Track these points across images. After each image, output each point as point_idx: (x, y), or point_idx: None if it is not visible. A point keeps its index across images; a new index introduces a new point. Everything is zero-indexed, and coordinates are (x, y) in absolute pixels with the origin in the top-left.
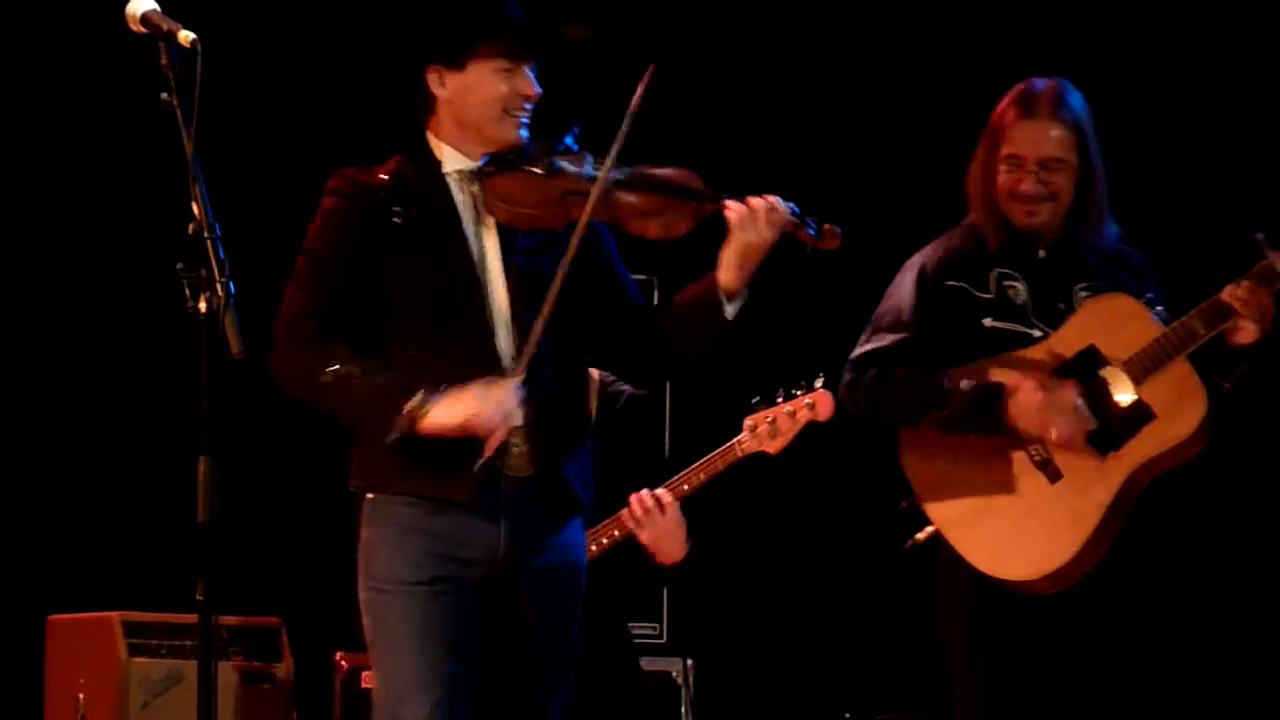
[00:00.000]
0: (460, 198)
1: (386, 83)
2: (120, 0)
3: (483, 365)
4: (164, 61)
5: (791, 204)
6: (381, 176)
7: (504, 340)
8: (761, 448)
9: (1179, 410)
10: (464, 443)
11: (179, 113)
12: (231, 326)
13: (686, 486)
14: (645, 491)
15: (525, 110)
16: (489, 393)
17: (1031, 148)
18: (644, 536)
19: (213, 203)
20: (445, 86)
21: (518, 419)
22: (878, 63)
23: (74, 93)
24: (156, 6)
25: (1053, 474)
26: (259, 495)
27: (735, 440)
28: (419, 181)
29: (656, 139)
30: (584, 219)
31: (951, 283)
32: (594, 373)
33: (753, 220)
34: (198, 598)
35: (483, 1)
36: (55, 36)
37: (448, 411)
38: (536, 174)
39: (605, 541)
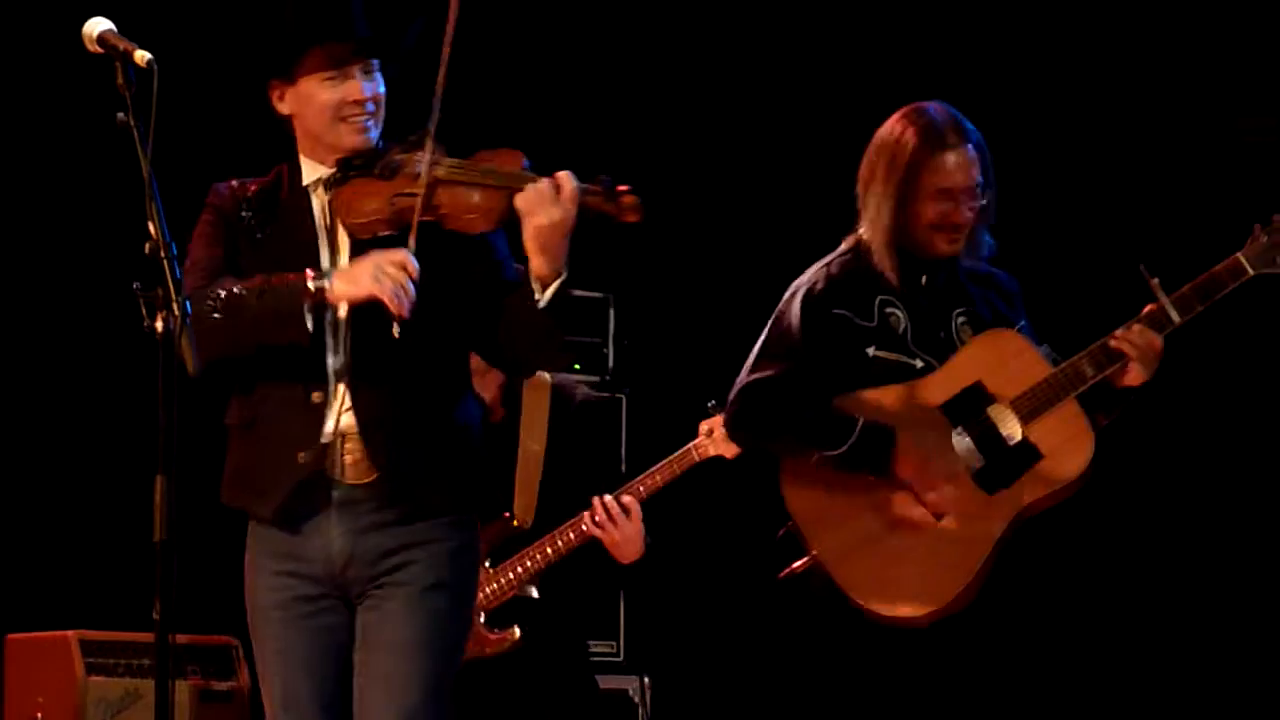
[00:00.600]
0: (317, 209)
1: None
2: (77, 18)
3: (304, 382)
4: (120, 81)
5: (606, 179)
6: (251, 189)
7: (334, 358)
8: (719, 452)
9: (1066, 452)
10: (282, 456)
11: (135, 132)
12: (187, 345)
13: (643, 489)
14: (609, 497)
15: (364, 114)
16: (382, 258)
17: (962, 177)
18: (606, 539)
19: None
20: (285, 101)
21: (409, 284)
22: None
23: (31, 110)
24: (113, 27)
25: (938, 512)
26: (215, 513)
27: (692, 444)
28: (286, 194)
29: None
30: (414, 224)
31: (836, 310)
32: (546, 375)
33: (539, 200)
34: (154, 616)
35: (303, 12)
36: (11, 52)
37: (350, 284)
38: (373, 178)
39: (562, 544)
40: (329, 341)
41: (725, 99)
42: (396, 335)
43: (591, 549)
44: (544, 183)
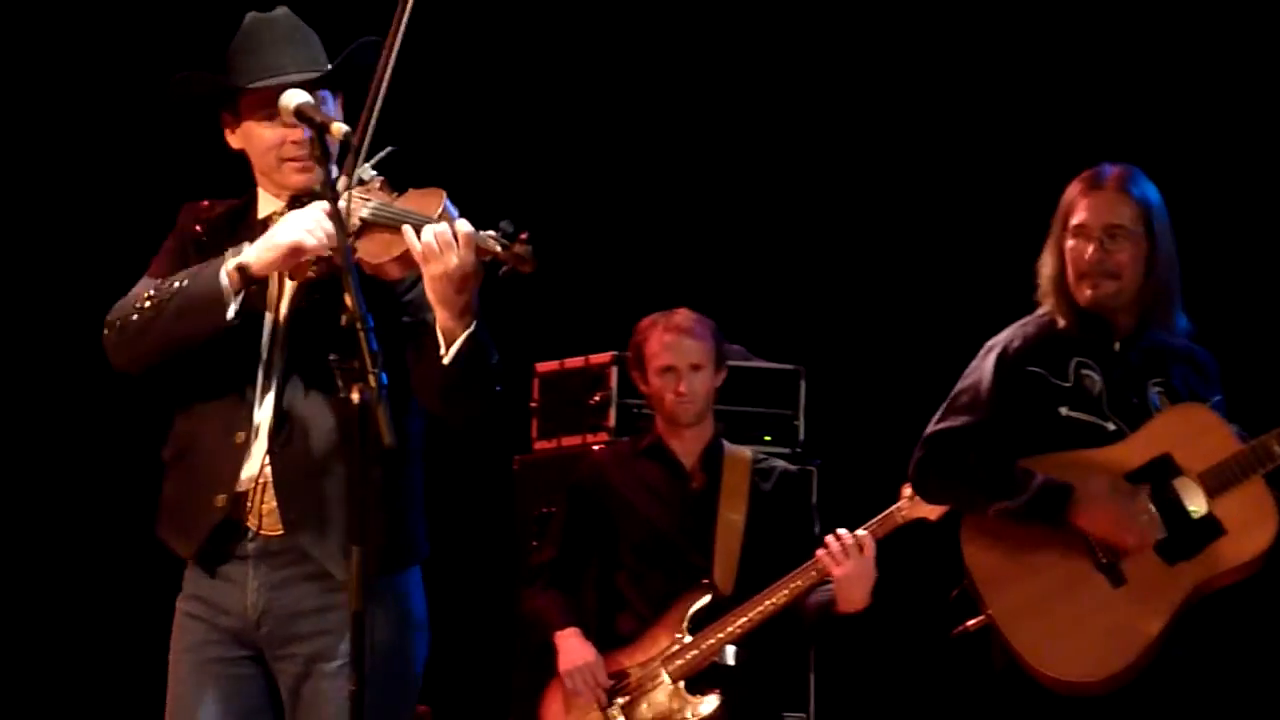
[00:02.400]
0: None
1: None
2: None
3: (229, 422)
4: (316, 153)
5: (506, 226)
6: (219, 210)
7: (260, 403)
8: (922, 515)
9: (1250, 529)
10: (202, 497)
11: (332, 203)
12: (384, 417)
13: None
14: (843, 530)
15: (305, 154)
16: (299, 219)
17: (1095, 216)
18: (838, 572)
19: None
20: (235, 136)
21: (327, 221)
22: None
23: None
24: (310, 99)
25: (1116, 578)
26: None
27: (894, 508)
28: (246, 224)
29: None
30: (343, 269)
31: (1031, 368)
32: (746, 450)
33: (432, 248)
34: (351, 687)
35: (241, 47)
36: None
37: (268, 248)
38: None
39: (763, 611)
40: (259, 383)
41: (904, 174)
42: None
43: (788, 616)
44: (439, 228)
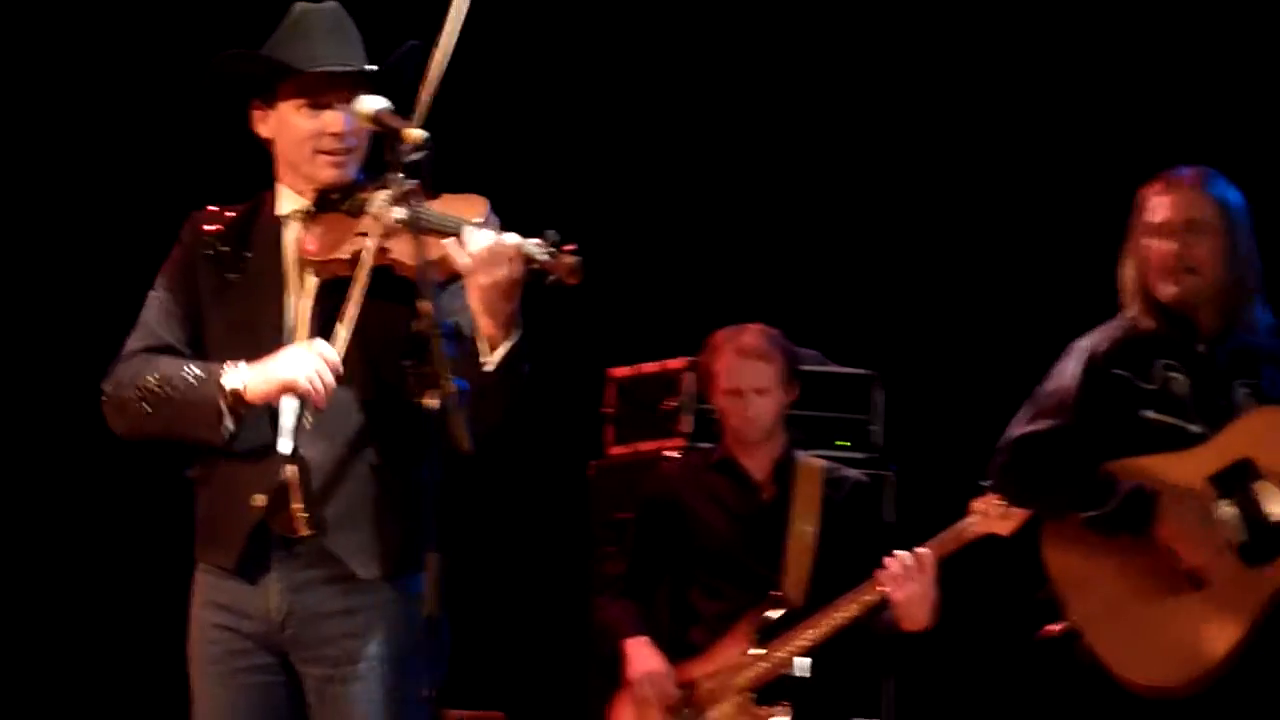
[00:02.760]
0: (289, 243)
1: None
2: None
3: (257, 427)
4: (393, 159)
5: (552, 235)
6: (227, 216)
7: (290, 412)
8: (992, 530)
9: None
10: (239, 503)
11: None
12: (460, 422)
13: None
14: (902, 552)
15: (341, 148)
16: (298, 355)
17: (1173, 212)
18: (899, 594)
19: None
20: (265, 124)
21: (336, 371)
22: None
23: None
24: (388, 105)
25: (1197, 582)
26: (485, 588)
27: (964, 523)
28: (261, 223)
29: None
30: (363, 269)
31: (1117, 370)
32: (818, 460)
33: (481, 259)
34: (427, 693)
35: (287, 36)
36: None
37: (264, 379)
38: (343, 215)
39: (834, 622)
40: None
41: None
42: (308, 426)
43: (860, 628)
44: (490, 238)
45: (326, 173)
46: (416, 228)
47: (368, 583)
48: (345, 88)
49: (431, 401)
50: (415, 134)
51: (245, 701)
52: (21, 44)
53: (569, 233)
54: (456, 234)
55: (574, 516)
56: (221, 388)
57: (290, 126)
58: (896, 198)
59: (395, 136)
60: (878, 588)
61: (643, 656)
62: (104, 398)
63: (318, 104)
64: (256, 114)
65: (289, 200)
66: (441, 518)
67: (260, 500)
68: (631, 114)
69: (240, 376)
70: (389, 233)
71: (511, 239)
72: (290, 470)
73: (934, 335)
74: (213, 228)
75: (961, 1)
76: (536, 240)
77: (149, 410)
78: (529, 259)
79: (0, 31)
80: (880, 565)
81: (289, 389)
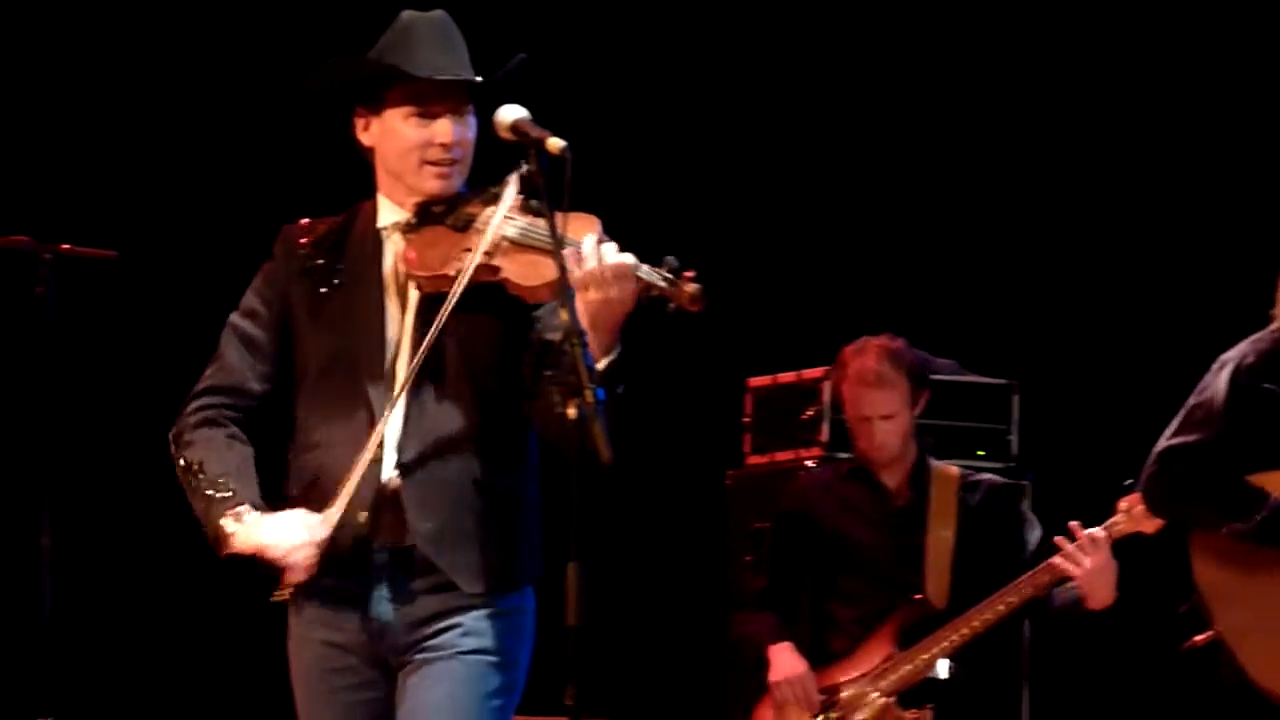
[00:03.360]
0: (389, 256)
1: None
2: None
3: (357, 439)
4: (533, 168)
5: (673, 262)
6: (320, 230)
7: (388, 417)
8: (1138, 529)
9: None
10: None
11: (549, 220)
12: (600, 432)
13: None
14: (1076, 524)
15: (449, 159)
16: (293, 526)
17: None
18: (1080, 572)
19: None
20: (368, 132)
21: (308, 560)
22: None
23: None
24: (527, 115)
25: None
26: (623, 598)
27: (1110, 522)
28: (358, 236)
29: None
30: (460, 281)
31: (1266, 385)
32: (953, 467)
33: (595, 278)
34: (566, 702)
35: (397, 43)
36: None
37: (249, 535)
38: (447, 229)
39: (978, 624)
40: (386, 396)
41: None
42: (272, 599)
43: (1003, 630)
44: (608, 259)
45: (432, 184)
46: (525, 246)
47: (469, 594)
48: (454, 98)
49: (571, 411)
50: (555, 142)
51: (354, 718)
52: (123, 57)
53: (706, 244)
54: (564, 250)
55: (712, 526)
56: (220, 526)
57: (397, 135)
58: (1034, 206)
59: (538, 147)
60: (1054, 571)
61: (785, 661)
62: (171, 443)
63: (427, 113)
64: (360, 122)
65: (389, 212)
66: (581, 527)
67: (364, 518)
68: (771, 123)
69: (235, 525)
70: (499, 249)
71: (626, 258)
72: (394, 483)
73: (1071, 344)
74: (307, 239)
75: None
76: (653, 267)
77: (185, 488)
78: (649, 286)
79: (96, 42)
80: (1020, 567)
81: (262, 551)
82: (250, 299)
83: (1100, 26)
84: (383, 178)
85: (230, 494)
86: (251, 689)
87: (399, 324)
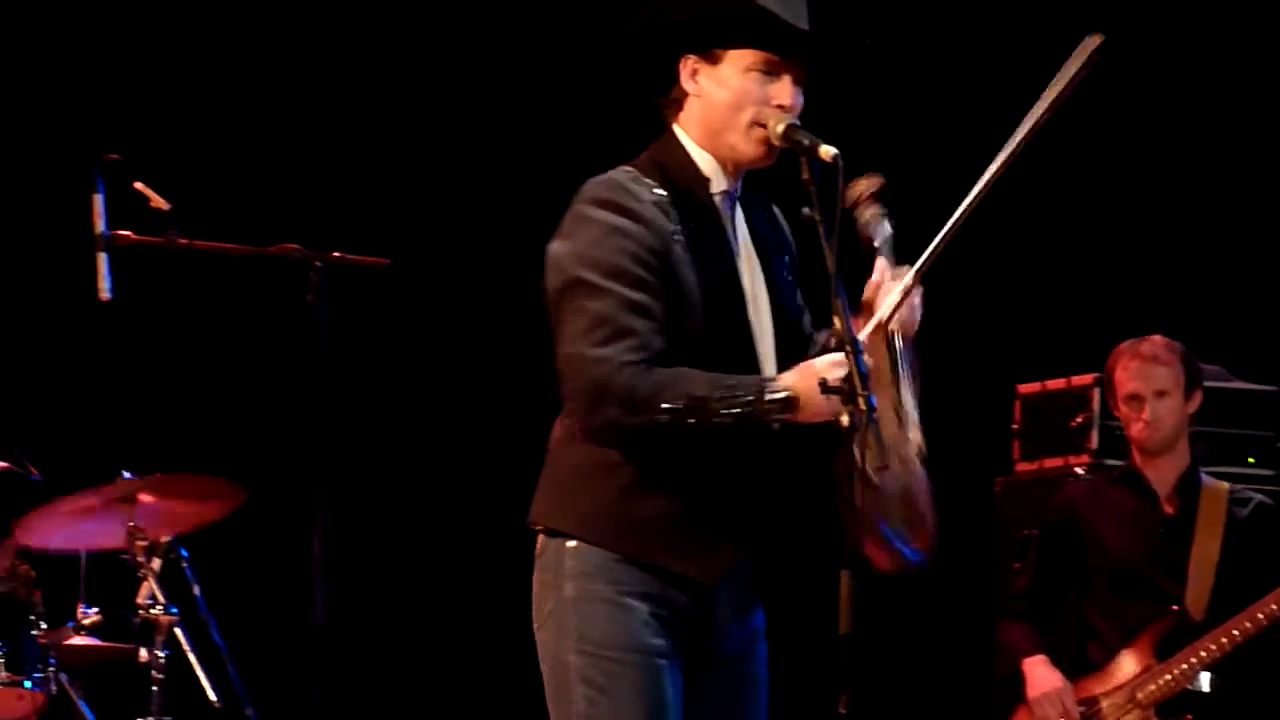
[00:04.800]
0: (725, 219)
1: (629, 68)
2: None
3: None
4: (805, 176)
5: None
6: (658, 191)
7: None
8: None
9: None
10: (711, 506)
11: (820, 227)
12: (870, 440)
13: None
14: None
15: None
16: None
17: None
18: None
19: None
20: (696, 79)
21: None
22: None
23: None
24: (796, 122)
25: None
26: (888, 605)
27: None
28: (687, 195)
29: None
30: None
31: None
32: (1223, 484)
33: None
34: (840, 710)
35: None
36: None
37: (803, 379)
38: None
39: (1238, 634)
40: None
41: None
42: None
43: (1267, 642)
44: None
45: (755, 148)
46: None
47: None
48: (799, 64)
49: (844, 418)
50: (827, 150)
51: (675, 697)
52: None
53: (980, 250)
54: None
55: (980, 532)
56: (773, 399)
57: (734, 88)
58: None
59: (809, 154)
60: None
61: (1041, 676)
62: (607, 425)
63: (773, 70)
64: (689, 67)
65: (717, 177)
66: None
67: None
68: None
69: (787, 383)
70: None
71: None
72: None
73: None
74: (653, 195)
75: None
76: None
77: (689, 428)
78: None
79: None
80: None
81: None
82: (613, 272)
83: None
84: (696, 128)
85: (735, 382)
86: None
87: (755, 294)
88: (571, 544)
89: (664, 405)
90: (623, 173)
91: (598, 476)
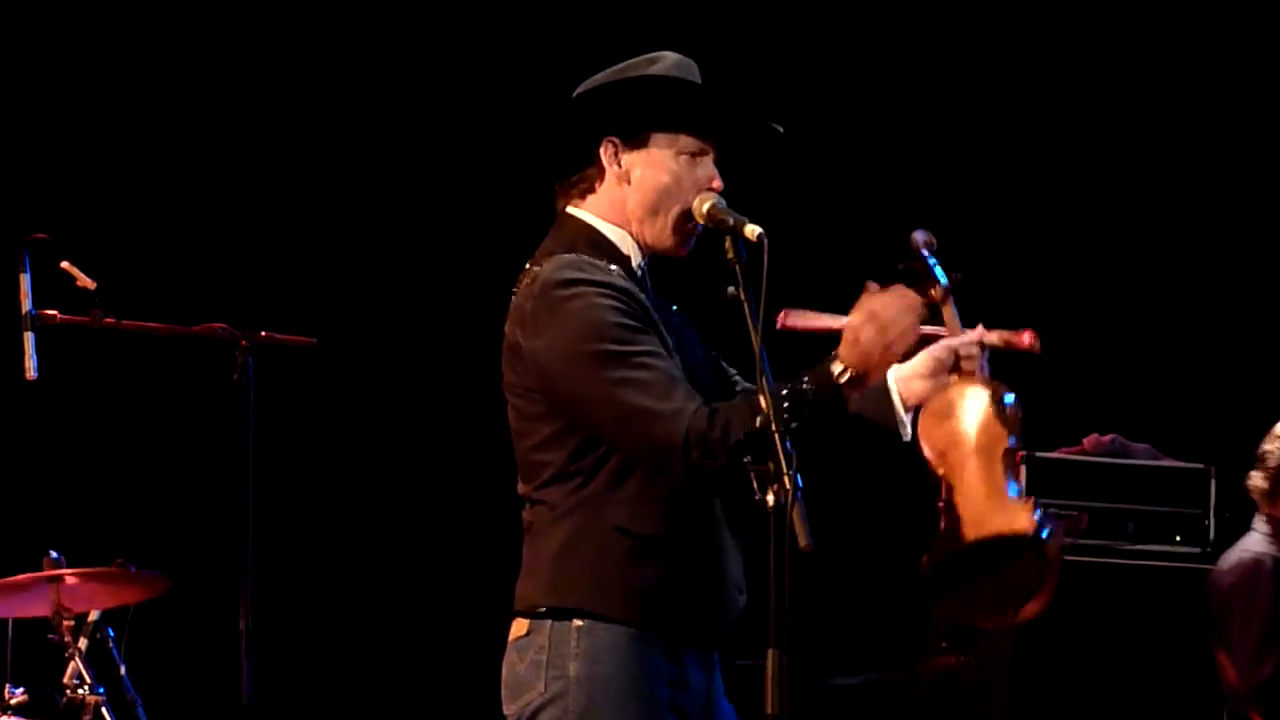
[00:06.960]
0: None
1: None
2: None
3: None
4: (731, 255)
5: None
6: (612, 266)
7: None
8: None
9: None
10: (707, 569)
11: (746, 306)
12: (799, 520)
13: None
14: None
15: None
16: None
17: None
18: None
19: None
20: (618, 160)
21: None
22: None
23: None
24: (721, 202)
25: None
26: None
27: None
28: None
29: None
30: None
31: None
32: None
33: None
34: None
35: (670, 75)
36: None
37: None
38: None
39: None
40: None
41: None
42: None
43: None
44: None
45: (676, 240)
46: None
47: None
48: (714, 146)
49: (769, 499)
50: (753, 229)
51: None
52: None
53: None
54: None
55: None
56: (843, 372)
57: (663, 170)
58: (1233, 295)
59: (733, 233)
60: None
61: None
62: (698, 464)
63: (700, 151)
64: (611, 149)
65: (632, 251)
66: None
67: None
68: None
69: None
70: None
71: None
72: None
73: (1265, 428)
74: (613, 268)
75: None
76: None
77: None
78: None
79: (288, 130)
80: None
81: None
82: (626, 340)
83: None
84: (611, 212)
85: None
86: None
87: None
88: (579, 623)
89: (728, 441)
90: (565, 258)
91: (595, 547)
